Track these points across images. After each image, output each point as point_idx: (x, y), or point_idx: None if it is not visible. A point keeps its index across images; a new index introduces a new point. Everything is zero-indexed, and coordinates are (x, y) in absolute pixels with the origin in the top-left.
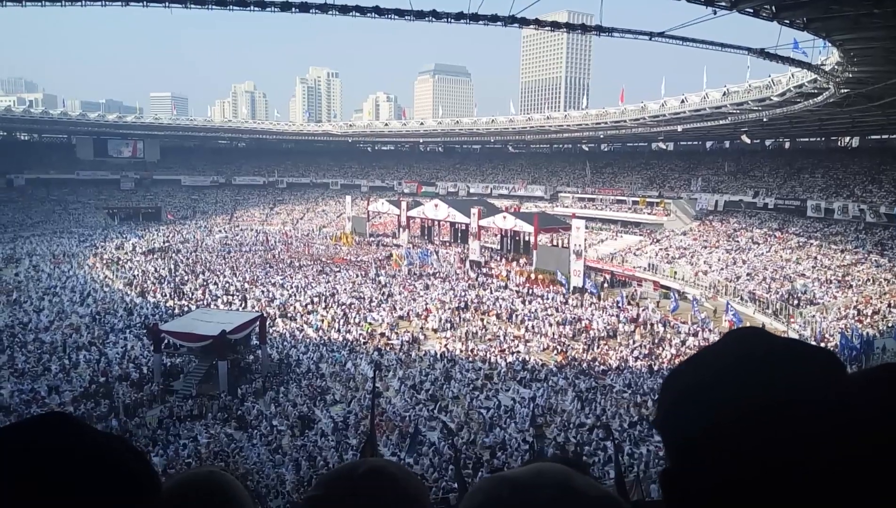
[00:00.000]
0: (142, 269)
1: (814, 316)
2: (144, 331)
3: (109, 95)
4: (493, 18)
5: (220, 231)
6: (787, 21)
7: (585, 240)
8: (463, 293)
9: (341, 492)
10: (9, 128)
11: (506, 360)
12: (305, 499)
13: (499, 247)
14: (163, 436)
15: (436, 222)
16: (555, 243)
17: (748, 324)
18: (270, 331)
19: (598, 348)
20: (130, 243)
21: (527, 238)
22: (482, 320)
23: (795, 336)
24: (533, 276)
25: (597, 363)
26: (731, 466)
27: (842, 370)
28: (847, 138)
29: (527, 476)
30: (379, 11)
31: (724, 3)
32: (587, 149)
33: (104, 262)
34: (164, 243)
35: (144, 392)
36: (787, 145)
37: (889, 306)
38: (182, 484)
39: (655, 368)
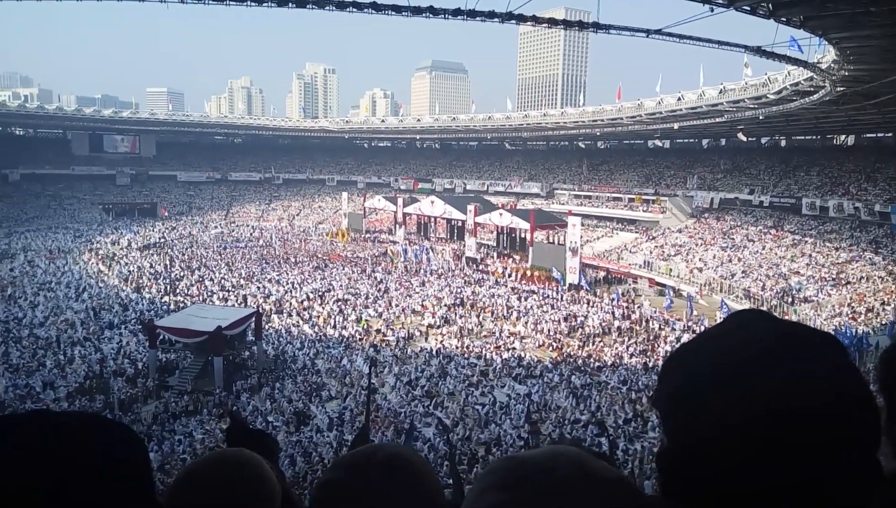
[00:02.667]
0: (137, 265)
1: (808, 314)
2: (140, 327)
3: (105, 91)
4: (491, 15)
5: (215, 227)
6: (784, 19)
7: (581, 237)
8: (459, 290)
9: (361, 476)
10: (4, 123)
11: (501, 356)
12: (323, 481)
13: (495, 244)
14: (158, 432)
15: (432, 219)
16: (551, 240)
17: None
18: (266, 327)
19: (593, 344)
20: (126, 238)
21: (523, 235)
22: (478, 316)
23: None
24: (529, 273)
25: (592, 360)
26: (740, 451)
27: (844, 354)
28: (843, 136)
29: (543, 457)
30: (376, 7)
31: (721, 1)
32: (584, 146)
33: (99, 257)
34: (159, 238)
35: (139, 388)
36: (783, 143)
37: (883, 303)
38: (213, 460)
39: (650, 364)
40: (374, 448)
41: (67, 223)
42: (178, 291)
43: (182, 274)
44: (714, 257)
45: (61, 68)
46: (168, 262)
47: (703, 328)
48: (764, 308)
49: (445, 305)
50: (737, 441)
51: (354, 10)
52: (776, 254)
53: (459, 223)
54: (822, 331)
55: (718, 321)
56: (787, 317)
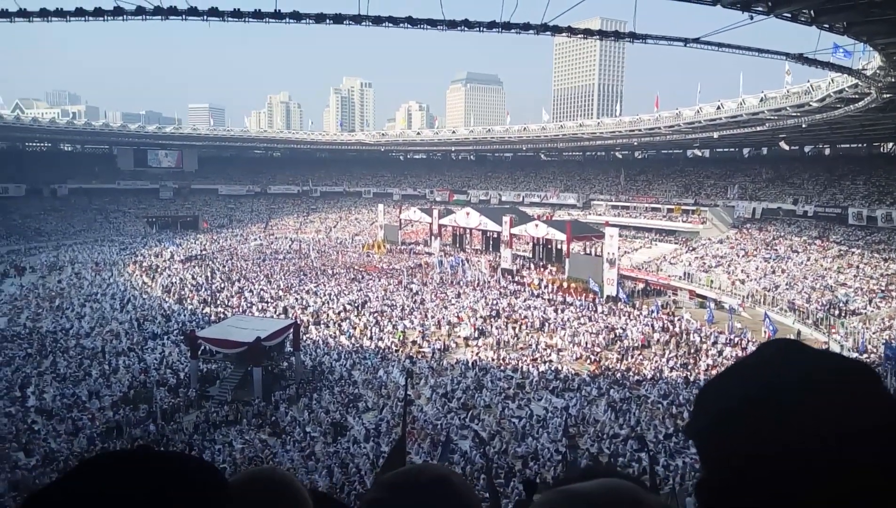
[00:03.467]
0: (179, 276)
1: (856, 327)
2: (182, 337)
3: (149, 107)
4: (526, 27)
5: (255, 239)
6: (827, 25)
7: (619, 248)
8: (495, 302)
9: (406, 497)
10: (53, 139)
11: (538, 369)
12: (368, 501)
13: (531, 255)
14: (199, 441)
15: (467, 231)
16: (588, 251)
17: (783, 334)
18: (304, 338)
19: (632, 357)
20: (168, 251)
21: (559, 246)
22: (514, 328)
23: (837, 348)
24: (565, 284)
25: (631, 373)
26: (774, 481)
27: (878, 383)
28: (890, 144)
29: (599, 492)
30: (412, 22)
31: (761, 8)
32: (620, 156)
33: (143, 269)
34: (200, 250)
35: (181, 398)
36: (827, 152)
37: None
38: (248, 480)
39: (691, 378)
40: (420, 469)
41: (113, 236)
42: (218, 302)
43: (222, 286)
44: (757, 269)
45: (107, 86)
46: (209, 274)
47: (745, 341)
48: (809, 321)
49: (481, 316)
50: (771, 472)
51: (390, 24)
52: (822, 265)
53: (495, 235)
54: (854, 360)
55: (751, 352)
56: (834, 330)
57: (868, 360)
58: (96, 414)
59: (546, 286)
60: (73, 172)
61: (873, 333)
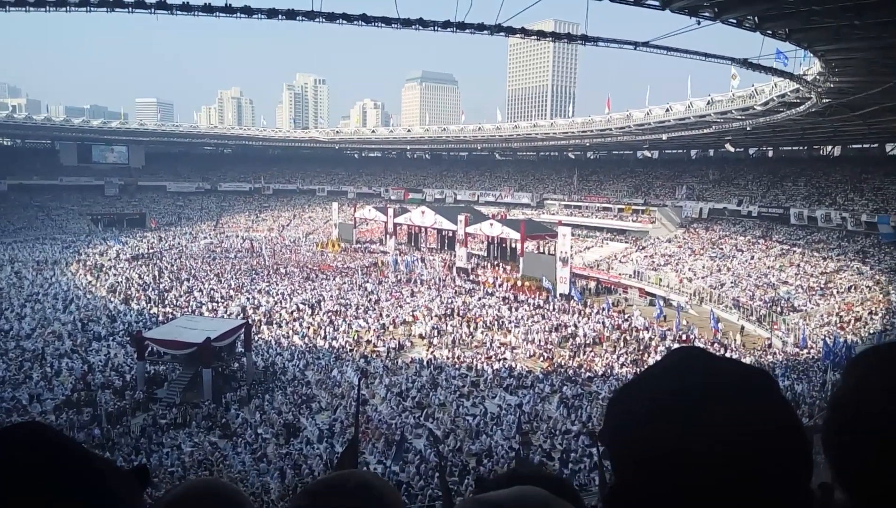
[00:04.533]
0: (126, 276)
1: (797, 323)
2: (128, 338)
3: (94, 101)
4: (480, 27)
5: (205, 237)
6: (770, 32)
7: (572, 247)
8: (450, 300)
9: (329, 505)
10: None
11: (492, 367)
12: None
13: (485, 254)
14: (146, 445)
15: (423, 229)
16: (541, 250)
17: (725, 330)
18: (256, 338)
19: (584, 354)
20: (114, 249)
21: (513, 245)
22: (469, 326)
23: (779, 343)
24: (519, 283)
25: (583, 370)
26: (672, 485)
27: (775, 388)
28: (829, 147)
29: (509, 500)
30: (366, 19)
31: (708, 14)
32: (573, 157)
33: (87, 268)
34: (148, 249)
35: (128, 400)
36: (770, 154)
37: (870, 313)
38: (183, 493)
39: None
40: (346, 476)
41: (55, 234)
42: (166, 302)
43: (171, 285)
44: (703, 267)
45: (50, 79)
46: (157, 273)
47: (692, 337)
48: (753, 318)
49: (436, 315)
50: (668, 476)
51: (344, 21)
52: (765, 264)
53: (450, 233)
54: (756, 368)
55: (658, 359)
56: (776, 327)
57: (808, 355)
58: (37, 418)
59: (500, 285)
60: (13, 167)
61: (813, 329)
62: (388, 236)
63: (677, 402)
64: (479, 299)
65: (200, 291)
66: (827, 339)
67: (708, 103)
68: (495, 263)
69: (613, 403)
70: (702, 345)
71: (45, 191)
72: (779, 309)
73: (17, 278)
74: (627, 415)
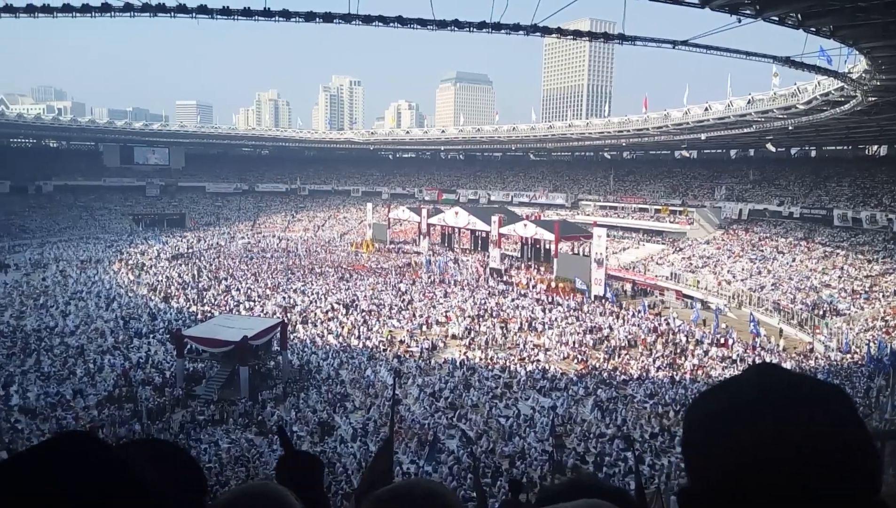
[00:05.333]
0: (166, 275)
1: (840, 328)
2: (168, 336)
3: (136, 104)
4: (516, 27)
5: (242, 237)
6: (814, 29)
7: (607, 248)
8: (483, 301)
9: None
10: (38, 135)
11: (525, 369)
12: None
13: (519, 255)
14: (185, 440)
15: (456, 230)
16: (576, 251)
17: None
18: (291, 337)
19: (618, 357)
20: (155, 249)
21: (547, 246)
22: (502, 328)
23: (821, 348)
24: (553, 284)
25: (618, 373)
26: (745, 493)
27: (850, 405)
28: (875, 147)
29: None
30: (402, 21)
31: (749, 12)
32: (609, 157)
33: (129, 267)
34: (187, 249)
35: (167, 397)
36: (813, 154)
37: None
38: (239, 496)
39: (677, 378)
40: (413, 483)
41: (98, 234)
42: (205, 301)
43: (209, 284)
44: (743, 270)
45: (94, 82)
46: (196, 272)
47: (730, 341)
48: (794, 321)
49: (469, 316)
50: (741, 484)
51: (380, 24)
52: (807, 266)
53: (483, 234)
54: (830, 383)
55: (737, 374)
56: (818, 331)
57: (851, 360)
58: (81, 413)
59: (534, 286)
60: (59, 168)
61: (856, 334)
62: (421, 237)
63: (747, 410)
64: (513, 300)
65: (238, 290)
66: (871, 344)
67: (748, 102)
68: (529, 264)
69: (689, 411)
70: (740, 348)
71: (89, 191)
72: (821, 313)
73: (62, 277)
74: (699, 423)
